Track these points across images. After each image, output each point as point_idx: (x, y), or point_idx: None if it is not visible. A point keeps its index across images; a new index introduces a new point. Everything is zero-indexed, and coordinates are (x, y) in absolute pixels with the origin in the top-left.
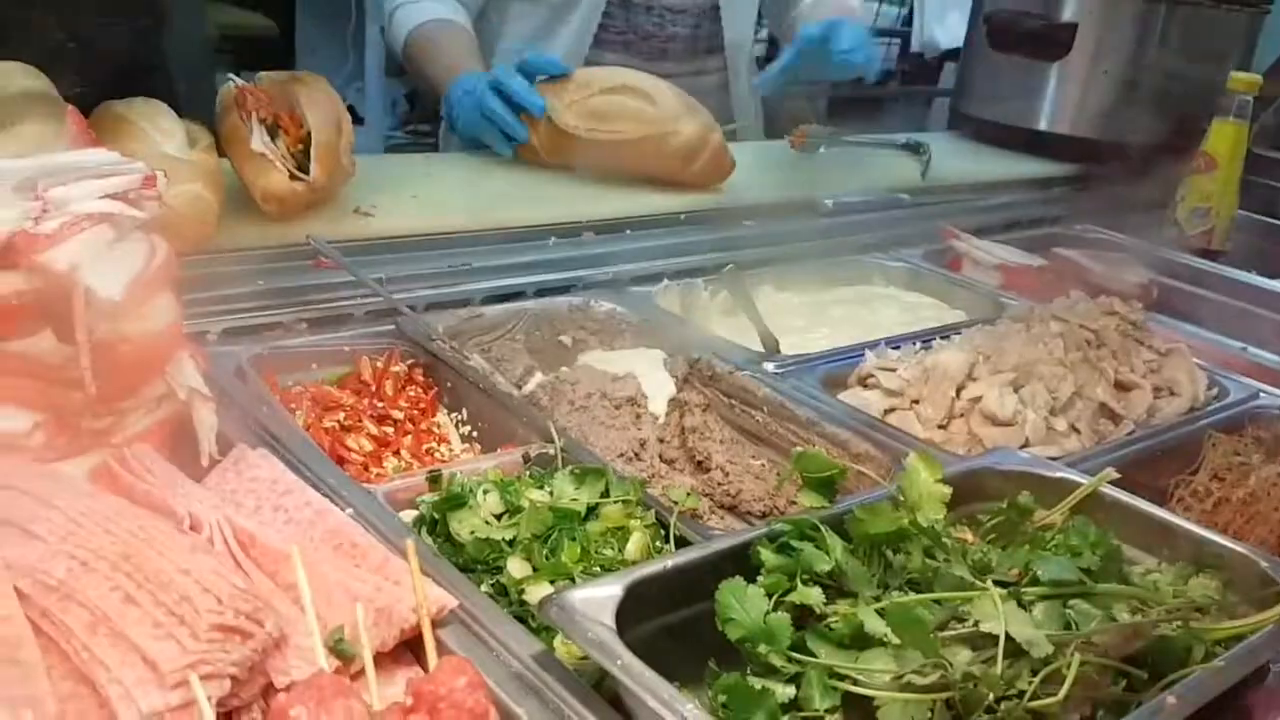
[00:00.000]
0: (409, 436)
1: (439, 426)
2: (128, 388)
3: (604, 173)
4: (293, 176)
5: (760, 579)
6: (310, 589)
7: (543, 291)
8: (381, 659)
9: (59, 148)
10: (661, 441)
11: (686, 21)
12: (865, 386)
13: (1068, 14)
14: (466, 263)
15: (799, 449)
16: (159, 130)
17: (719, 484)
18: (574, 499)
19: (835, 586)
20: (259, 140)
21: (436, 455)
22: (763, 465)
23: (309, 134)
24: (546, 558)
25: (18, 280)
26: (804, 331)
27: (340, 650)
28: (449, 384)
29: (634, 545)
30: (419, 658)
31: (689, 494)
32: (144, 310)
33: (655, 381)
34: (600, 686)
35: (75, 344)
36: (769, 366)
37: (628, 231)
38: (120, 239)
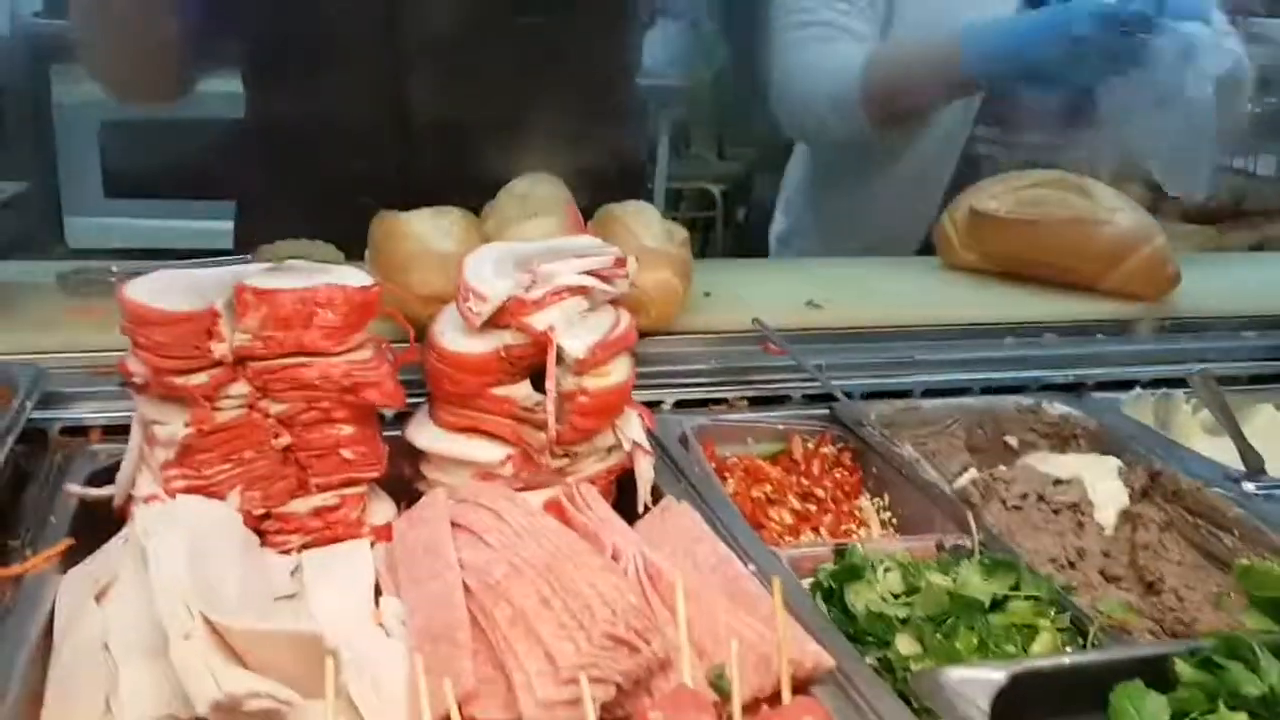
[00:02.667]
0: (829, 515)
1: (860, 510)
2: (583, 434)
3: (1022, 263)
4: None
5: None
6: (698, 625)
7: (989, 390)
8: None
9: (561, 235)
10: (1106, 555)
11: None
12: None
13: None
14: (909, 355)
15: (1244, 561)
16: (642, 226)
17: (1170, 609)
18: (980, 589)
19: (1266, 717)
20: None
21: (855, 537)
22: (1228, 596)
23: None
24: (939, 641)
25: (507, 336)
26: None
27: (719, 686)
28: (874, 470)
29: (1041, 646)
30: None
31: (1122, 605)
32: (602, 369)
33: (1106, 490)
34: None
35: (545, 392)
36: (1249, 486)
37: (1098, 336)
38: (593, 309)
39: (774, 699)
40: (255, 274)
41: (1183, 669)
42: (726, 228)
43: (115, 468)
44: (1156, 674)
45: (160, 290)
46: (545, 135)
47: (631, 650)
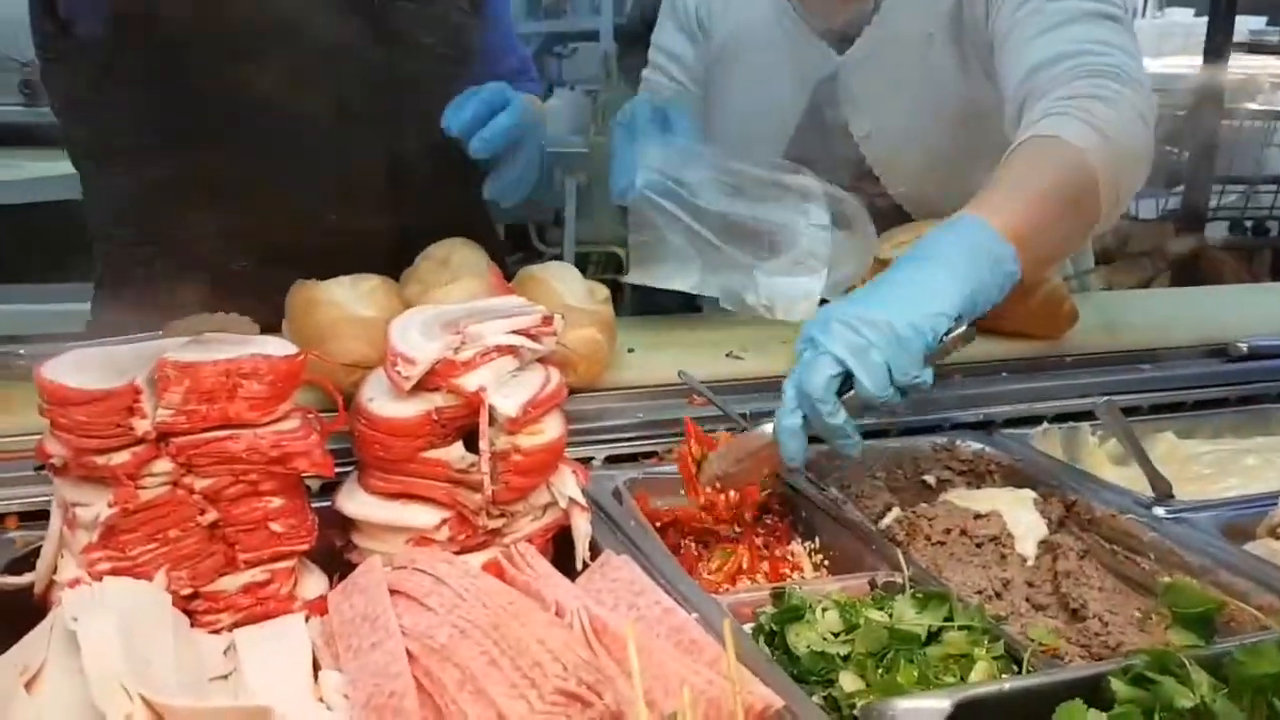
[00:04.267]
0: (764, 561)
1: (793, 555)
2: (519, 492)
3: None
4: None
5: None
6: (648, 675)
7: (907, 431)
8: None
9: (486, 297)
10: (1030, 585)
11: None
12: (1275, 536)
13: None
14: None
15: (1166, 579)
16: (564, 285)
17: (1096, 634)
18: (915, 623)
19: None
20: None
21: (789, 580)
22: (1149, 617)
23: None
24: (881, 675)
25: (438, 398)
26: (1211, 480)
27: None
28: (804, 513)
29: (978, 675)
30: None
31: (1051, 632)
32: (535, 427)
33: (1024, 522)
34: None
35: (479, 453)
36: (1159, 511)
37: (1003, 375)
38: (522, 368)
39: None
40: (176, 347)
41: (1118, 687)
42: (635, 290)
43: (33, 554)
44: (1092, 694)
45: (78, 369)
46: (449, 204)
47: (584, 705)
